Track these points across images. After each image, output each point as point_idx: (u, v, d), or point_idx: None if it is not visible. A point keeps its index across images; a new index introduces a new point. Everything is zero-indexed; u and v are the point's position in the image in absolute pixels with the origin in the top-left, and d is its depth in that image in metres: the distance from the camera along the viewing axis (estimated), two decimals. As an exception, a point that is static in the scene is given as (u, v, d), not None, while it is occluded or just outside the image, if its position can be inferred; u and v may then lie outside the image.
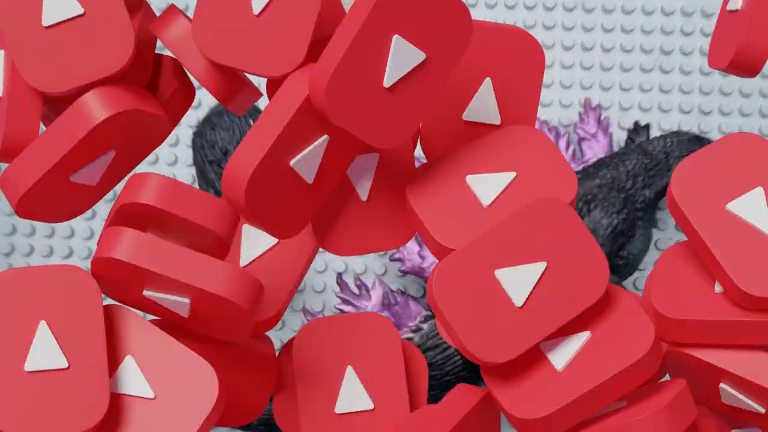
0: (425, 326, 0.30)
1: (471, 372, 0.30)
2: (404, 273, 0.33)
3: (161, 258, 0.16)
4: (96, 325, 0.17)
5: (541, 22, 0.34)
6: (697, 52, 0.34)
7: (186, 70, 0.18)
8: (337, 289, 0.32)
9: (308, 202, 0.17)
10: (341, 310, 0.32)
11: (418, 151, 0.19)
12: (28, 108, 0.17)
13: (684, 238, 0.18)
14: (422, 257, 0.31)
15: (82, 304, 0.17)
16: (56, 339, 0.17)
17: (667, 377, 0.18)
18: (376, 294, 0.31)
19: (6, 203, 0.33)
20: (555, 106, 0.34)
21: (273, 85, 0.18)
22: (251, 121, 0.31)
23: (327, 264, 0.33)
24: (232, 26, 0.17)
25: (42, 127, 0.18)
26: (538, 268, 0.17)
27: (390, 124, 0.16)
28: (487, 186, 0.18)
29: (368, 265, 0.34)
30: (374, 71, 0.16)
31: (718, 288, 0.17)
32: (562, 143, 0.32)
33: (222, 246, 0.17)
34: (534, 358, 0.17)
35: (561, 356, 0.17)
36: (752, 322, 0.16)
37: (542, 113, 0.34)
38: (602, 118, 0.33)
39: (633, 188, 0.31)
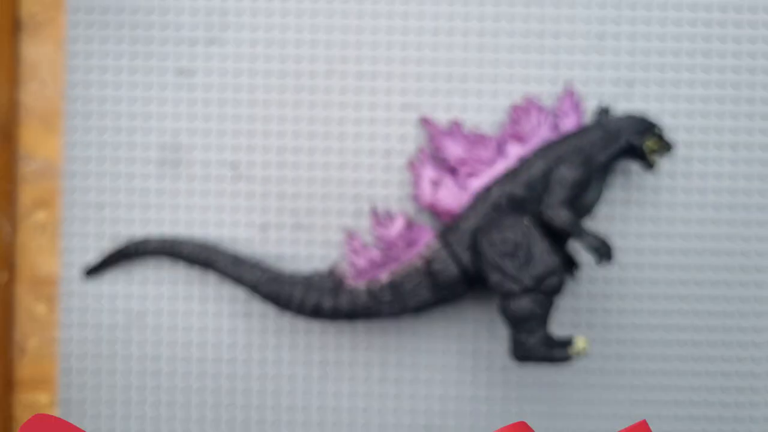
0: (432, 243, 0.41)
1: (463, 276, 0.40)
2: (420, 208, 0.44)
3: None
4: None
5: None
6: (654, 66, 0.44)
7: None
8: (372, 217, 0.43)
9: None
10: (375, 234, 0.42)
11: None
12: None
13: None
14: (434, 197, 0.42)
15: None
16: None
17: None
18: (399, 221, 0.42)
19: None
20: (547, 95, 0.45)
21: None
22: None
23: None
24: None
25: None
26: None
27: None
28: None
29: (394, 203, 0.45)
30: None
31: None
32: (548, 118, 0.42)
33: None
34: None
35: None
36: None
37: (541, 93, 0.44)
38: (577, 102, 0.43)
39: (591, 153, 0.40)
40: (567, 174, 0.39)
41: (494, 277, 0.38)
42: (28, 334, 0.45)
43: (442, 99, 0.44)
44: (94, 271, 0.44)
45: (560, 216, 0.38)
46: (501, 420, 0.43)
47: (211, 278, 0.44)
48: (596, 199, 0.41)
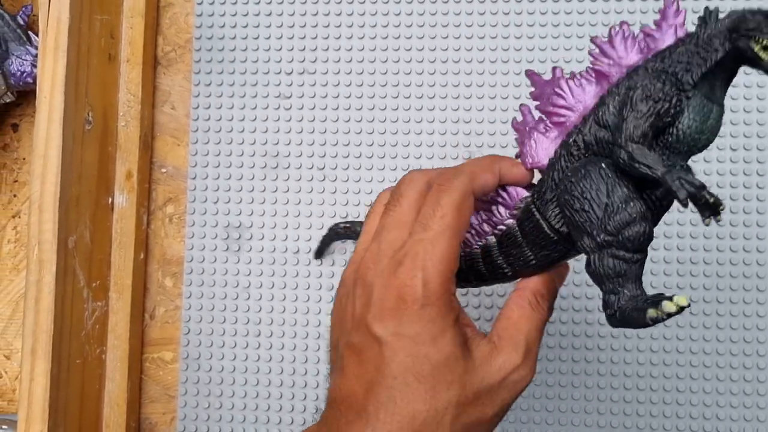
0: (523, 203, 0.34)
1: (556, 234, 0.33)
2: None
3: None
4: None
5: None
6: None
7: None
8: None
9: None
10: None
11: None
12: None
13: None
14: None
15: None
16: None
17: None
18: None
19: (235, 151, 0.56)
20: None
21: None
22: None
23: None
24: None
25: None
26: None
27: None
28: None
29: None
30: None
31: None
32: (636, 43, 0.31)
33: None
34: None
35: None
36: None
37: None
38: (679, 14, 0.30)
39: (676, 71, 0.30)
40: (640, 101, 0.30)
41: (575, 235, 0.32)
42: (157, 303, 0.57)
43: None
44: (320, 253, 0.55)
45: (630, 152, 0.29)
46: (540, 366, 0.52)
47: (302, 263, 0.55)
48: (699, 128, 0.30)
